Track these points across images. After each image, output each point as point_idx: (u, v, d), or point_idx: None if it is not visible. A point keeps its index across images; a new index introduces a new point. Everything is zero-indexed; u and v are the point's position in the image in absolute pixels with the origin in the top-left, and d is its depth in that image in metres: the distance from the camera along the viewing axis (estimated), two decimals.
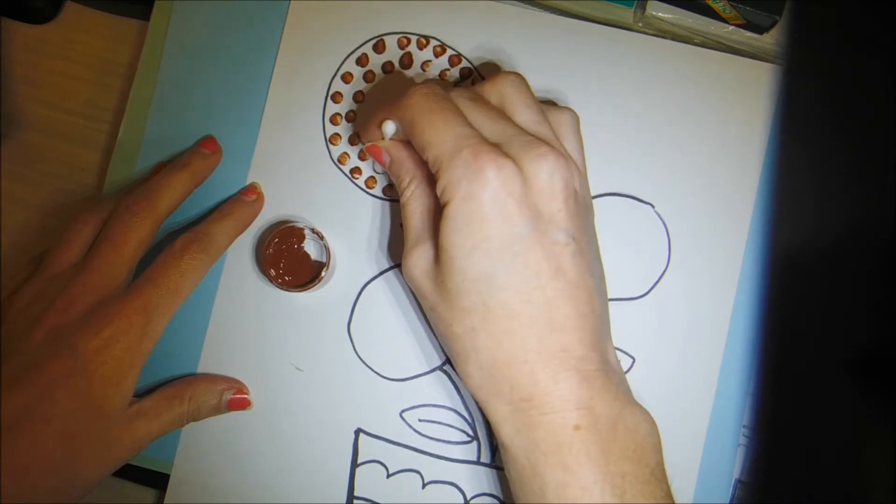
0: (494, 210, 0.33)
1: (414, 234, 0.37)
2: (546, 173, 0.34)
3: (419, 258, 0.36)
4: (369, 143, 0.39)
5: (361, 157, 0.43)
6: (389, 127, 0.37)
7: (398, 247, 0.43)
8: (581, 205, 0.36)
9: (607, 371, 0.35)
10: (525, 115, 0.36)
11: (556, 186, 0.34)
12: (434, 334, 0.40)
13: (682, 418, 0.41)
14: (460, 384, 0.42)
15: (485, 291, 0.34)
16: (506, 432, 0.34)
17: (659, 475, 0.34)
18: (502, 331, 0.34)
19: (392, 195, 0.43)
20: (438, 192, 0.34)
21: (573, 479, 0.33)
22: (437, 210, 0.36)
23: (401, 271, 0.38)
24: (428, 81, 0.37)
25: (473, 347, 0.35)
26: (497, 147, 0.34)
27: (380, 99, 0.43)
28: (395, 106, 0.37)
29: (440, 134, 0.34)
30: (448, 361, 0.42)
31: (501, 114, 0.36)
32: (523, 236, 0.33)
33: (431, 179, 0.36)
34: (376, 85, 0.44)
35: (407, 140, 0.37)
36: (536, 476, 0.34)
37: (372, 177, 0.43)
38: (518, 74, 0.38)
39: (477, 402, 0.36)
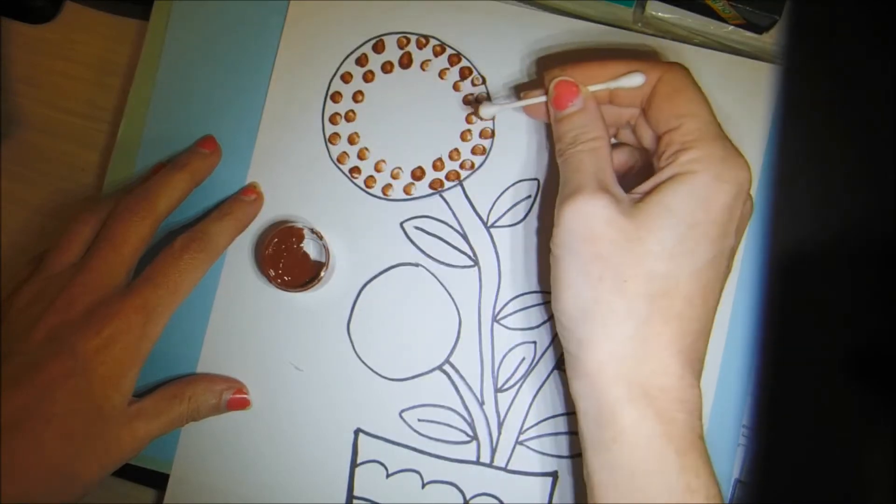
0: (733, 206, 0.33)
1: (595, 182, 0.35)
2: (750, 208, 0.36)
3: (607, 205, 0.34)
4: (568, 79, 0.37)
5: (361, 156, 0.43)
6: (638, 78, 0.36)
7: (398, 247, 0.43)
8: None
9: None
10: None
11: (746, 225, 0.36)
12: (563, 278, 0.35)
13: None
14: (460, 384, 0.42)
15: (685, 267, 0.33)
16: (629, 414, 0.33)
17: None
18: (678, 312, 0.33)
19: (391, 195, 0.43)
20: (685, 158, 0.34)
21: (702, 486, 0.32)
22: (614, 175, 0.35)
23: (562, 207, 0.35)
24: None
25: (641, 314, 0.33)
26: None
27: (380, 99, 0.43)
28: (649, 64, 0.36)
29: (709, 112, 0.35)
30: (445, 363, 0.42)
31: None
32: (728, 243, 0.34)
33: (611, 148, 0.36)
34: (376, 85, 0.44)
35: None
36: (662, 472, 0.32)
37: (371, 176, 0.43)
38: None
39: (594, 375, 0.34)
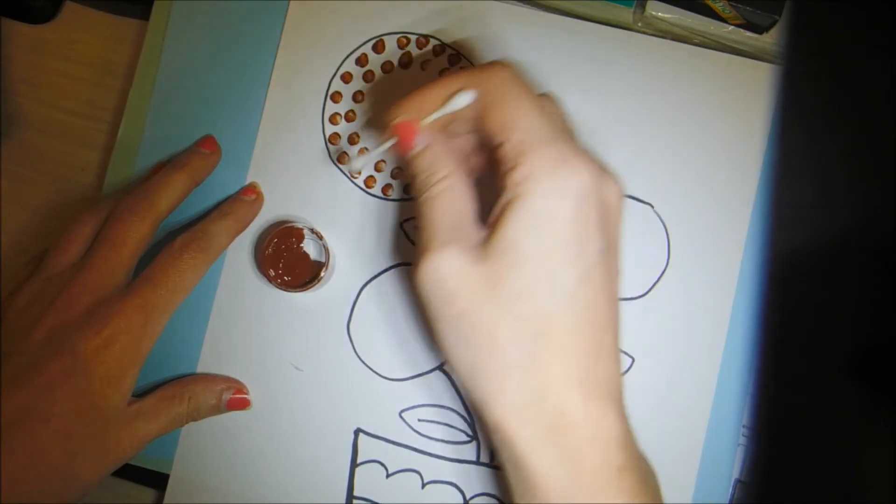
0: (581, 215, 0.31)
1: (444, 233, 0.32)
2: (615, 197, 0.32)
3: (454, 258, 0.32)
4: (405, 120, 0.34)
5: (360, 155, 0.43)
6: (466, 97, 0.33)
7: (398, 247, 0.43)
8: None
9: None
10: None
11: (619, 213, 0.33)
12: (443, 343, 0.33)
13: (682, 418, 0.41)
14: (460, 385, 0.42)
15: (551, 300, 0.31)
16: (539, 462, 0.31)
17: None
18: (559, 347, 0.31)
19: (391, 195, 0.43)
20: (515, 179, 0.31)
21: None
22: (473, 213, 0.33)
23: (413, 272, 0.33)
24: (503, 60, 0.33)
25: (521, 361, 0.31)
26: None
27: (379, 99, 0.43)
28: (473, 76, 0.33)
29: (535, 117, 0.31)
30: (445, 363, 0.42)
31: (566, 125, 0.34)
32: (595, 252, 0.31)
33: (468, 181, 0.34)
34: (375, 85, 0.44)
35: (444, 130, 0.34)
36: None
37: (371, 176, 0.43)
38: (557, 101, 0.36)
39: (499, 430, 0.32)
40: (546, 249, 0.31)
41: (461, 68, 0.34)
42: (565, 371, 0.31)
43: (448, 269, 0.32)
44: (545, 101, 0.35)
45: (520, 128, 0.31)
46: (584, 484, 0.30)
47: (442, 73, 0.43)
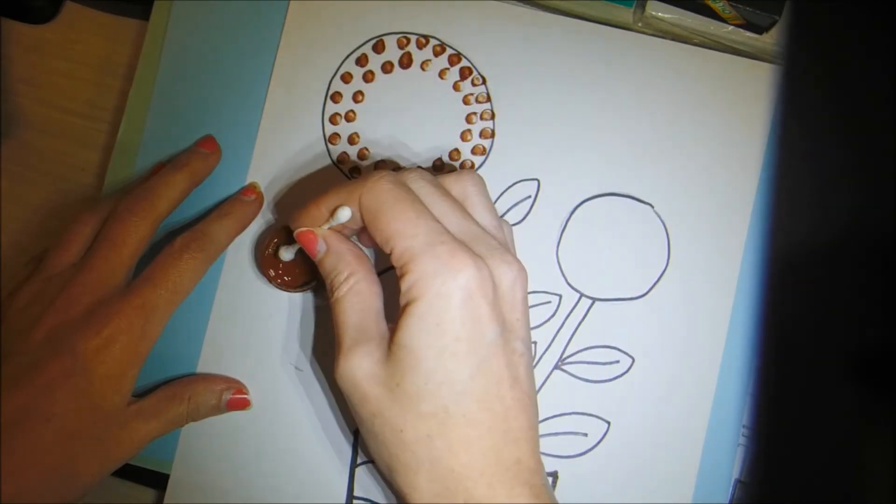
0: (468, 312, 0.32)
1: (352, 333, 0.35)
2: (509, 281, 0.34)
3: (362, 359, 0.34)
4: (303, 230, 0.37)
5: (361, 156, 0.43)
6: (344, 213, 0.35)
7: None
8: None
9: (547, 485, 0.34)
10: (486, 217, 0.36)
11: (517, 295, 0.34)
12: (365, 443, 0.36)
13: (682, 418, 0.41)
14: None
15: (448, 396, 0.32)
16: None
17: None
18: (461, 439, 0.32)
19: None
20: (405, 287, 0.33)
21: None
22: (378, 307, 0.35)
23: (333, 373, 0.35)
24: (386, 171, 0.35)
25: (428, 457, 0.33)
26: (468, 247, 0.33)
27: (380, 99, 0.43)
28: (351, 191, 0.35)
29: (411, 226, 0.33)
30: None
31: (465, 212, 0.36)
32: (490, 342, 0.33)
33: (371, 277, 0.36)
34: (376, 85, 0.44)
35: (344, 232, 0.37)
36: None
37: None
38: (479, 175, 0.38)
39: None
40: (437, 349, 0.32)
41: (343, 183, 0.36)
42: (469, 462, 0.32)
43: (359, 371, 0.34)
44: (453, 183, 0.36)
45: (400, 237, 0.33)
46: None
47: (442, 73, 0.43)
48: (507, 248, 0.35)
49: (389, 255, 0.34)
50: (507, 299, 0.34)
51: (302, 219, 0.37)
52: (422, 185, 0.35)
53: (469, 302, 0.32)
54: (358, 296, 0.35)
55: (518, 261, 0.35)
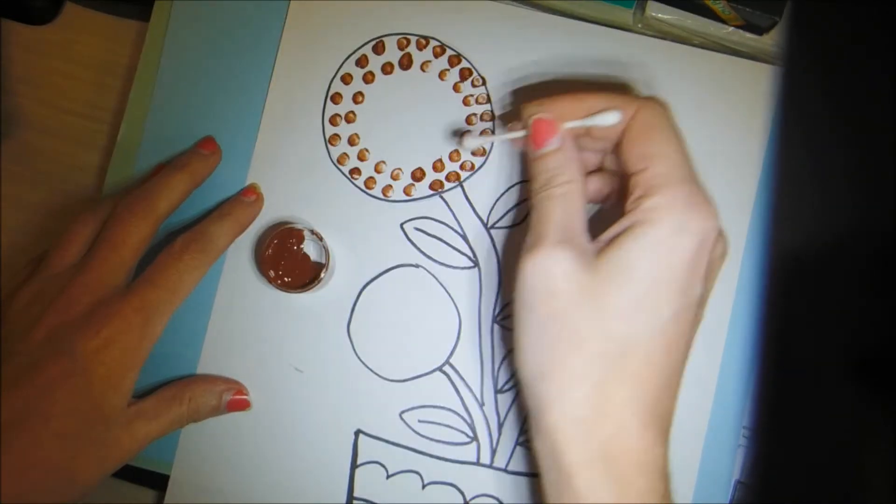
0: (697, 258, 0.32)
1: (559, 230, 0.33)
2: (721, 253, 0.34)
3: (566, 259, 0.32)
4: (547, 118, 0.35)
5: (361, 157, 0.43)
6: (613, 117, 0.34)
7: (398, 248, 0.43)
8: None
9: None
10: None
11: (718, 269, 0.35)
12: (520, 338, 0.34)
13: (682, 418, 0.40)
14: (460, 385, 0.42)
15: (644, 326, 0.32)
16: (587, 480, 0.31)
17: None
18: (636, 372, 0.32)
19: (391, 196, 0.43)
20: (646, 205, 0.32)
21: None
22: (583, 223, 0.34)
23: (522, 260, 0.34)
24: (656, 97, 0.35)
25: (597, 375, 0.32)
26: None
27: (380, 100, 0.43)
28: (626, 100, 0.35)
29: (679, 155, 0.33)
30: (445, 365, 0.42)
31: None
32: (695, 296, 0.33)
33: (585, 193, 0.35)
34: (376, 86, 0.44)
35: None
36: None
37: (371, 177, 0.43)
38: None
39: (550, 437, 0.32)
40: (655, 278, 0.32)
41: (609, 92, 0.35)
42: (632, 395, 0.32)
43: (558, 267, 0.32)
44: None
45: (664, 159, 0.33)
46: None
47: (442, 74, 0.43)
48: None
49: (635, 174, 0.33)
50: (714, 267, 0.34)
51: (550, 106, 0.35)
52: None
53: (700, 251, 0.32)
54: (572, 203, 0.34)
55: (728, 242, 0.35)
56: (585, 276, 0.32)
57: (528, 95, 0.43)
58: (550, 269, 0.33)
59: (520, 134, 0.36)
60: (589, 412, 0.32)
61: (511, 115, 0.42)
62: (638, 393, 0.32)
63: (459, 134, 0.43)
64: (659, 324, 0.32)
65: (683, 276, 0.32)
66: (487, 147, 0.42)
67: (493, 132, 0.43)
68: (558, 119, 0.35)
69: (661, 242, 0.32)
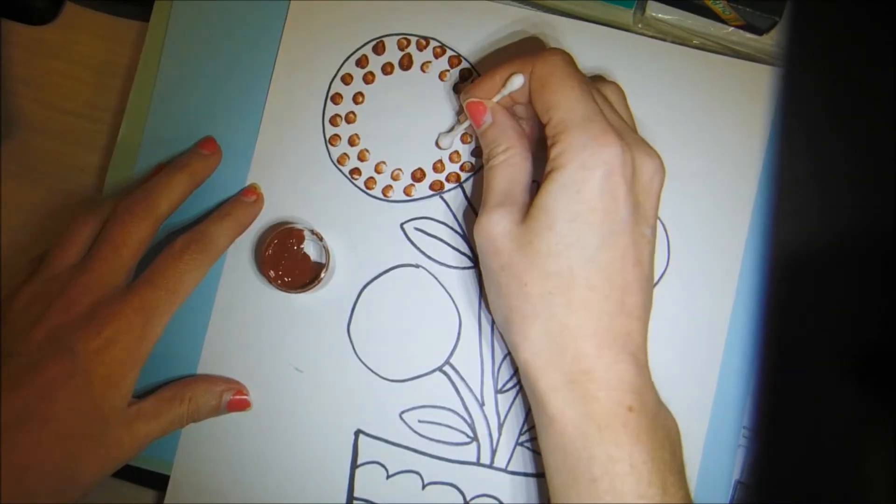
0: (607, 187, 0.34)
1: (499, 195, 0.37)
2: (650, 172, 0.36)
3: (503, 218, 0.36)
4: (474, 100, 0.39)
5: (361, 157, 0.43)
6: (518, 80, 0.37)
7: (398, 248, 0.43)
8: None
9: (649, 367, 0.36)
10: (628, 119, 0.39)
11: (654, 187, 0.36)
12: (485, 297, 0.39)
13: (682, 418, 0.40)
14: (460, 385, 0.42)
15: (575, 258, 0.35)
16: (556, 402, 0.35)
17: (684, 472, 0.36)
18: (580, 301, 0.35)
19: (391, 196, 0.43)
20: (553, 154, 0.35)
21: (624, 455, 0.34)
22: (527, 181, 0.38)
23: (471, 234, 0.39)
24: (560, 49, 0.37)
25: (546, 311, 0.35)
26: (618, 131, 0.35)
27: (380, 100, 0.43)
28: (525, 62, 0.37)
29: (574, 100, 0.35)
30: (445, 365, 0.42)
31: (614, 109, 0.38)
32: (622, 219, 0.35)
33: (526, 154, 0.38)
34: (376, 86, 0.44)
35: (509, 108, 0.39)
36: (586, 448, 0.34)
37: (371, 178, 0.43)
38: (622, 89, 0.40)
39: (525, 371, 0.36)
40: (573, 214, 0.35)
41: (518, 56, 0.38)
42: (582, 322, 0.35)
43: (497, 227, 0.36)
44: (605, 87, 0.39)
45: (560, 107, 0.35)
46: (593, 421, 0.34)
47: (442, 75, 0.43)
48: (650, 145, 0.37)
49: (545, 126, 0.36)
50: (643, 187, 0.36)
51: (475, 90, 0.39)
52: (584, 76, 0.37)
53: (610, 178, 0.34)
54: (511, 167, 0.38)
55: (660, 158, 0.37)
56: (519, 230, 0.36)
57: None
58: (492, 231, 0.36)
59: (467, 122, 0.40)
60: (547, 346, 0.35)
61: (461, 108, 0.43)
62: (587, 319, 0.35)
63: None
64: (589, 253, 0.35)
65: (598, 206, 0.34)
66: (456, 139, 0.43)
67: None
68: (485, 97, 0.39)
69: (567, 183, 0.35)
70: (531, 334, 0.35)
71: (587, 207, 0.34)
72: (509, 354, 0.42)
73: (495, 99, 0.38)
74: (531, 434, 0.41)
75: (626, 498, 0.33)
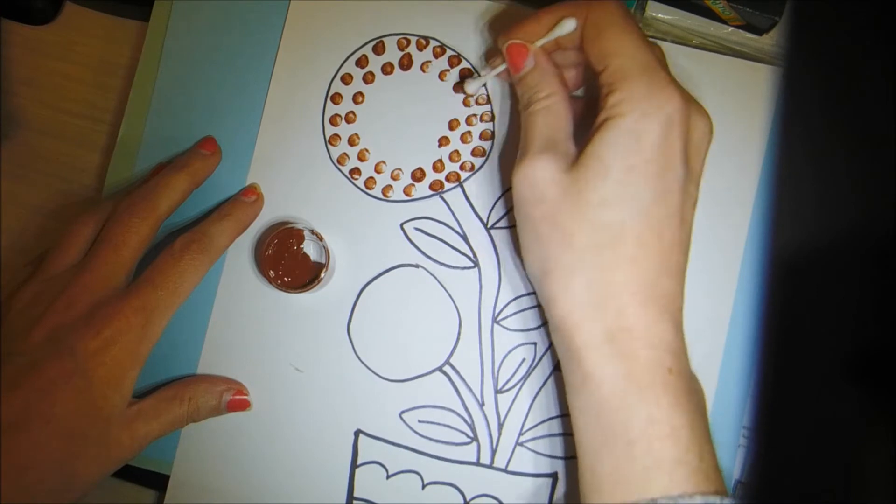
0: (666, 140, 0.33)
1: (542, 141, 0.36)
2: (703, 131, 0.35)
3: (549, 164, 0.35)
4: (517, 42, 0.38)
5: (361, 157, 0.43)
6: (569, 24, 0.36)
7: (398, 248, 0.43)
8: None
9: (683, 330, 0.35)
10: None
11: (704, 146, 0.36)
12: (523, 242, 0.37)
13: None
14: (460, 385, 0.42)
15: (628, 211, 0.33)
16: (594, 359, 0.34)
17: (712, 441, 0.35)
18: (628, 256, 0.34)
19: (391, 196, 0.43)
20: (611, 102, 0.34)
21: (665, 417, 0.33)
22: (569, 129, 0.36)
23: (512, 174, 0.36)
24: None
25: (592, 263, 0.34)
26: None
27: (380, 100, 0.43)
28: (577, 6, 0.36)
29: (635, 47, 0.34)
30: (445, 365, 0.42)
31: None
32: (676, 176, 0.34)
33: (568, 101, 0.37)
34: (376, 86, 0.44)
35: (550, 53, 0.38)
36: (624, 407, 0.33)
37: (371, 178, 0.43)
38: (662, 49, 0.38)
39: (559, 326, 0.35)
40: (628, 165, 0.33)
41: (564, 2, 0.37)
42: (628, 278, 0.34)
43: (541, 173, 0.35)
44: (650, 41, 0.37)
45: (620, 55, 0.34)
46: (633, 380, 0.33)
47: (442, 75, 0.43)
48: (702, 105, 0.36)
49: (600, 73, 0.35)
50: (695, 145, 0.35)
51: (516, 32, 0.38)
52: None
53: (670, 132, 0.33)
54: (554, 114, 0.36)
55: (711, 118, 0.36)
56: (567, 177, 0.34)
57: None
58: (535, 177, 0.35)
59: (502, 66, 0.39)
60: (588, 299, 0.34)
61: (493, 53, 0.43)
62: (633, 275, 0.34)
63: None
64: (641, 206, 0.33)
65: (655, 158, 0.33)
66: (485, 87, 0.43)
67: (491, 114, 0.43)
68: (527, 41, 0.37)
69: (626, 132, 0.33)
70: (573, 287, 0.34)
71: (643, 159, 0.33)
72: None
73: (539, 43, 0.37)
74: (531, 434, 0.41)
75: (664, 462, 0.32)
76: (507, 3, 0.43)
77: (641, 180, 0.33)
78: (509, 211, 0.42)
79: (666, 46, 0.42)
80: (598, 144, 0.34)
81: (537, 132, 0.36)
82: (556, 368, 0.41)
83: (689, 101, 0.35)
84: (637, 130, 0.33)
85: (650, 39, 0.38)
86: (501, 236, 0.42)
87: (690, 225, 0.35)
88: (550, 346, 0.41)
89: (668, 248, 0.34)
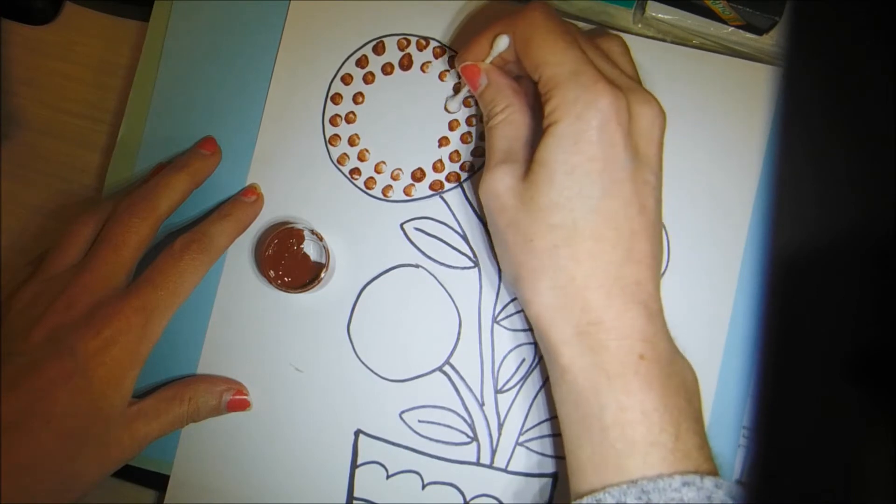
0: (604, 136, 0.34)
1: (500, 153, 0.37)
2: (649, 118, 0.36)
3: (506, 175, 0.37)
4: (468, 63, 0.39)
5: (361, 157, 0.43)
6: (503, 42, 0.37)
7: (398, 248, 0.43)
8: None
9: (663, 315, 0.36)
10: (630, 71, 0.38)
11: (654, 132, 0.36)
12: (495, 255, 0.40)
13: None
14: (460, 385, 0.42)
15: (577, 210, 0.35)
16: (568, 353, 0.35)
17: (700, 419, 0.36)
18: (586, 252, 0.35)
19: (391, 196, 0.43)
20: (548, 110, 0.35)
21: (635, 403, 0.34)
22: (528, 137, 0.38)
23: (476, 193, 0.39)
24: (542, 2, 0.37)
25: (553, 265, 0.35)
26: (610, 80, 0.35)
27: (380, 101, 0.43)
28: (509, 21, 0.37)
29: (560, 54, 0.35)
30: (445, 365, 0.42)
31: (609, 58, 0.38)
32: (623, 167, 0.35)
33: (525, 110, 0.38)
34: (376, 87, 0.44)
35: (503, 67, 0.39)
36: (597, 397, 0.34)
37: (371, 178, 0.43)
38: (625, 42, 0.39)
39: (536, 325, 0.36)
40: (571, 166, 0.35)
41: (503, 17, 0.38)
42: (589, 273, 0.35)
43: (500, 184, 0.37)
44: (602, 39, 0.39)
45: (548, 63, 0.35)
46: (604, 370, 0.34)
47: (442, 75, 0.43)
48: (649, 92, 0.37)
49: (537, 83, 0.36)
50: (643, 133, 0.36)
51: (465, 55, 0.40)
52: (571, 26, 0.38)
53: (606, 127, 0.34)
54: (511, 125, 0.38)
55: (659, 103, 0.36)
56: (522, 186, 0.36)
57: None
58: (496, 187, 0.37)
59: (466, 86, 0.41)
60: (556, 298, 0.35)
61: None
62: (594, 269, 0.35)
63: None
64: (591, 203, 0.35)
65: (597, 155, 0.34)
66: (461, 103, 0.43)
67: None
68: (477, 60, 0.39)
69: (564, 136, 0.35)
70: (540, 288, 0.36)
71: (586, 157, 0.34)
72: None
73: (487, 60, 0.39)
74: (531, 434, 0.41)
75: (637, 445, 0.34)
76: (508, 4, 0.43)
77: (586, 178, 0.35)
78: None
79: (666, 46, 0.43)
80: (542, 151, 0.35)
81: (496, 144, 0.38)
82: None
83: (628, 92, 0.35)
84: (573, 132, 0.34)
85: (569, 21, 0.39)
86: None
87: (654, 210, 0.36)
88: None
89: (629, 238, 0.35)
